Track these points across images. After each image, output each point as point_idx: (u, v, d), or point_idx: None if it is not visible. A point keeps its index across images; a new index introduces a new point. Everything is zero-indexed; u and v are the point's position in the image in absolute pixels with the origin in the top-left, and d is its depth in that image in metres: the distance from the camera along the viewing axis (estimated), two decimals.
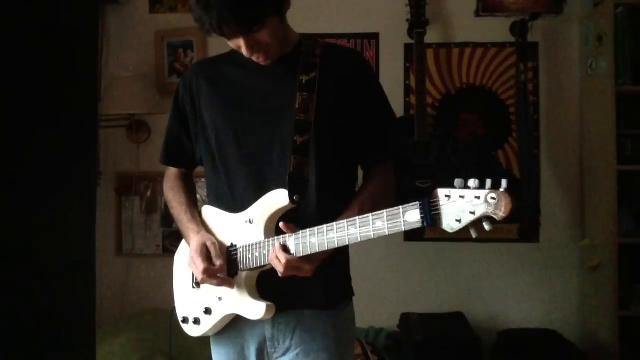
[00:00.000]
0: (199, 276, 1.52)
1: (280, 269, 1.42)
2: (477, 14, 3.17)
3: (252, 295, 1.50)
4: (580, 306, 3.11)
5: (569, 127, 3.16)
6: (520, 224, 3.13)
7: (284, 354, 1.55)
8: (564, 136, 3.17)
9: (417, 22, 3.01)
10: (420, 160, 2.94)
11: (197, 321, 1.61)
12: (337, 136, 1.56)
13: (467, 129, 3.17)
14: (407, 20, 3.06)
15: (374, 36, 3.20)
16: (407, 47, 3.17)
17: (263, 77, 1.56)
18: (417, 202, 1.26)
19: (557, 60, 3.16)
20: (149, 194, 3.30)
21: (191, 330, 1.63)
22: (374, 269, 3.05)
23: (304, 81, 1.53)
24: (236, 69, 1.60)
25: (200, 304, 1.60)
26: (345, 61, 1.60)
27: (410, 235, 3.17)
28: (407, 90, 3.19)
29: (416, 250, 3.17)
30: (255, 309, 1.48)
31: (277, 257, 1.41)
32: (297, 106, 1.51)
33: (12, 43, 0.84)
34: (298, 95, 1.51)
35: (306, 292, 1.50)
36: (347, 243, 1.36)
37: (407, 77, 3.19)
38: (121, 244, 3.31)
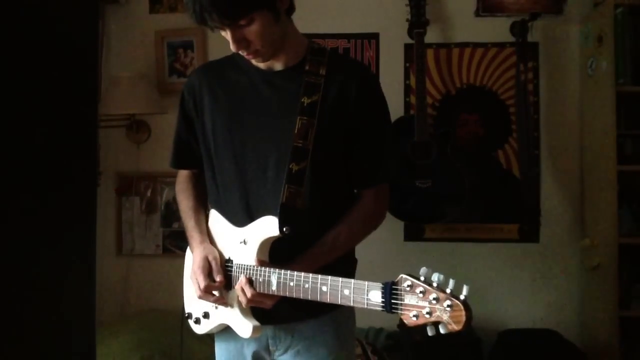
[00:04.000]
0: (198, 292, 1.54)
1: (243, 299, 1.46)
2: (477, 14, 3.17)
3: (243, 312, 1.51)
4: (580, 306, 3.11)
5: (569, 127, 3.16)
6: (520, 224, 3.14)
7: (286, 351, 1.58)
8: (564, 136, 3.17)
9: (417, 22, 3.01)
10: (420, 160, 2.94)
11: (197, 321, 1.65)
12: (335, 165, 1.54)
13: (467, 129, 3.17)
14: (407, 20, 3.06)
15: (374, 36, 3.20)
16: (407, 47, 3.16)
17: (265, 91, 1.53)
18: (381, 284, 1.23)
19: (557, 60, 3.16)
20: (149, 194, 3.29)
21: (194, 327, 1.67)
22: (374, 269, 3.04)
23: (305, 104, 1.48)
24: (239, 76, 1.57)
25: (201, 306, 1.62)
26: (350, 82, 1.51)
27: (410, 235, 3.18)
28: (407, 90, 3.19)
29: (416, 250, 3.17)
30: (243, 326, 1.51)
31: (242, 289, 1.45)
32: (295, 131, 1.47)
33: (12, 43, 0.84)
34: (298, 119, 1.47)
35: (299, 309, 1.49)
36: (318, 299, 1.35)
37: (407, 77, 3.19)
38: (121, 244, 3.31)
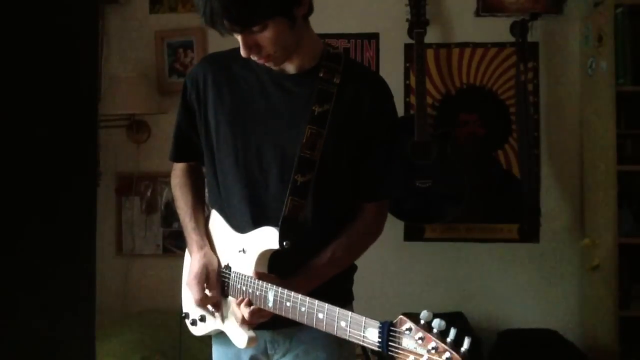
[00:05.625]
0: (193, 302, 1.55)
1: (239, 317, 1.45)
2: (477, 14, 3.17)
3: (240, 322, 1.48)
4: (580, 306, 3.11)
5: (569, 127, 3.16)
6: (520, 224, 3.13)
7: (284, 355, 1.55)
8: (564, 136, 3.17)
9: (417, 22, 3.01)
10: (420, 160, 2.94)
11: (194, 323, 1.63)
12: (340, 179, 1.49)
13: (467, 129, 3.17)
14: (407, 20, 3.06)
15: (374, 36, 3.20)
16: (407, 47, 3.16)
17: (274, 94, 1.46)
18: (379, 323, 1.15)
19: (557, 60, 3.16)
20: (149, 194, 3.29)
21: (191, 328, 1.66)
22: (374, 269, 3.04)
23: (316, 112, 1.41)
24: (247, 73, 1.49)
25: (198, 309, 1.60)
26: (364, 93, 1.46)
27: (410, 235, 3.18)
28: (407, 90, 3.19)
29: (416, 250, 3.17)
30: (238, 336, 1.48)
31: (241, 309, 1.43)
32: (304, 140, 1.41)
33: (11, 43, 0.84)
34: (307, 128, 1.41)
35: None
36: (314, 325, 1.28)
37: (407, 77, 3.19)
38: (121, 244, 3.31)
